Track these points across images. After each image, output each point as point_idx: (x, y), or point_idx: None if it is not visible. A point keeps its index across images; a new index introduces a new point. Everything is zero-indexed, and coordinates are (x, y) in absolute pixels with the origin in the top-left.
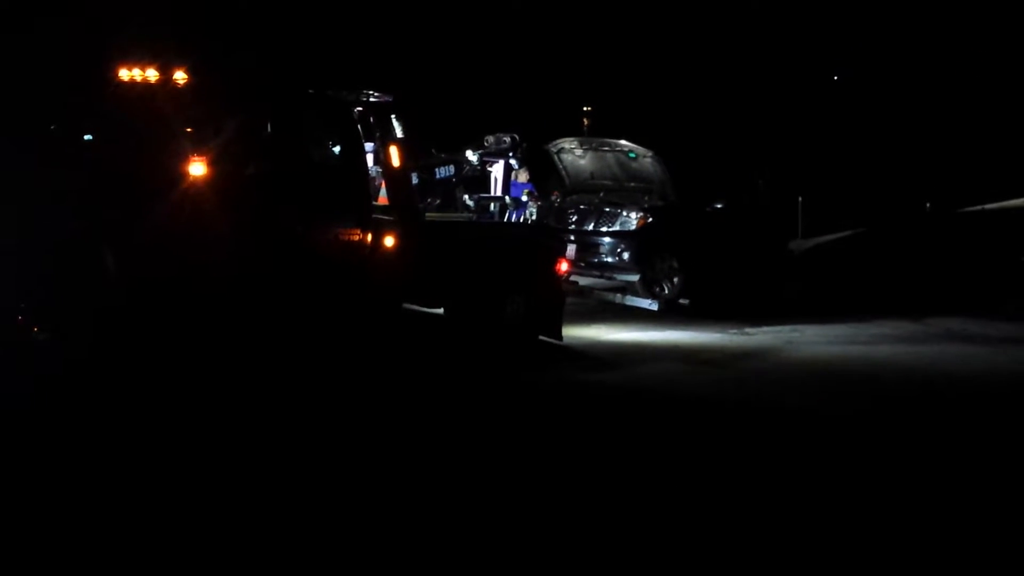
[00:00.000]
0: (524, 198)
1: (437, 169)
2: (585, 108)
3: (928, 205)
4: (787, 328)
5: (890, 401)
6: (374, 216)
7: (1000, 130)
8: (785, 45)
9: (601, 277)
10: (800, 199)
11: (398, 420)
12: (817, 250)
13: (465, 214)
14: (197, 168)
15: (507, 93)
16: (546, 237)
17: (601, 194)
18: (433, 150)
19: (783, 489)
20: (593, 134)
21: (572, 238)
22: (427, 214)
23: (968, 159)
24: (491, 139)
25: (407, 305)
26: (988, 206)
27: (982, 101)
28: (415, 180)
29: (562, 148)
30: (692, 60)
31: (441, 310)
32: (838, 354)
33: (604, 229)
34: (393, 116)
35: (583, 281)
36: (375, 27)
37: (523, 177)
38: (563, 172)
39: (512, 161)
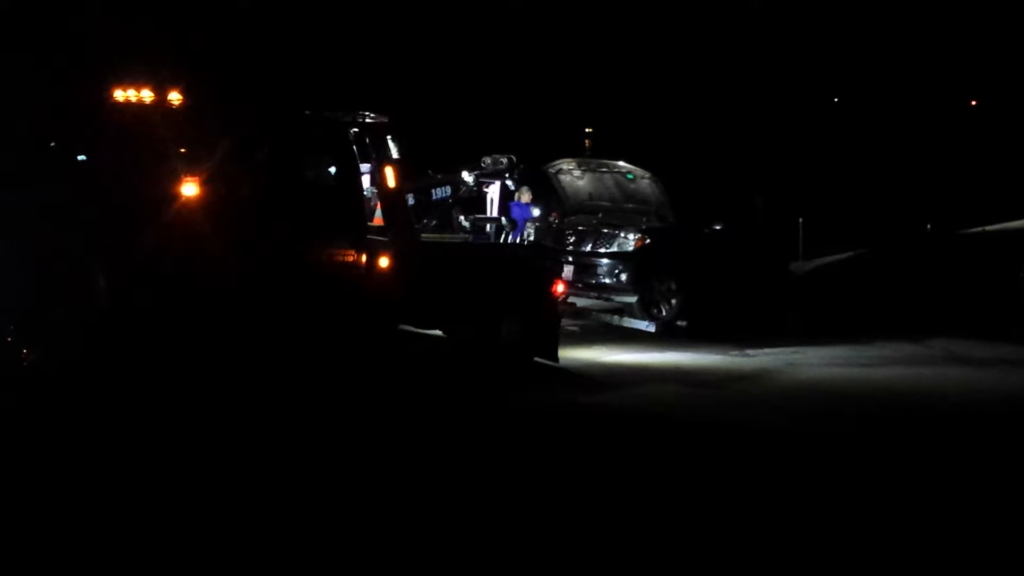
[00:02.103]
0: (535, 212)
1: (433, 190)
2: (587, 130)
3: (929, 227)
4: (788, 350)
5: (889, 425)
6: (369, 237)
7: (1000, 152)
8: (786, 67)
9: (599, 298)
10: (801, 220)
11: (385, 441)
12: (819, 271)
13: (461, 235)
14: (189, 188)
15: (508, 114)
16: (541, 258)
17: (599, 215)
18: (430, 171)
19: (769, 516)
20: (594, 155)
21: (569, 259)
22: (423, 235)
23: (969, 181)
24: (488, 160)
25: (404, 326)
26: (989, 228)
27: (983, 123)
28: (411, 201)
29: (560, 169)
30: (692, 81)
31: (437, 331)
32: (839, 376)
33: (602, 250)
34: (389, 137)
35: (581, 302)
36: (375, 48)
37: (527, 198)
38: (561, 193)
39: (508, 182)
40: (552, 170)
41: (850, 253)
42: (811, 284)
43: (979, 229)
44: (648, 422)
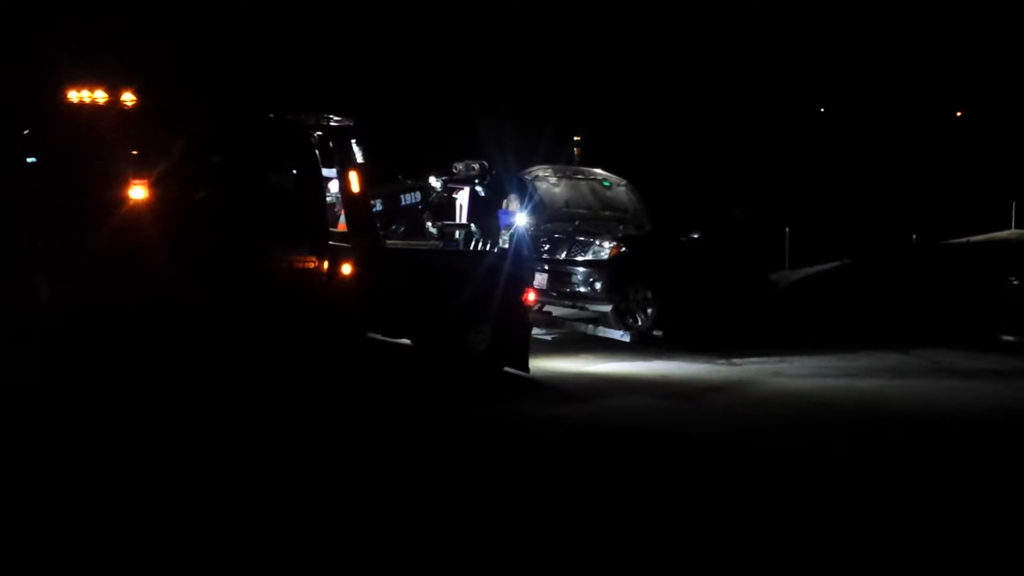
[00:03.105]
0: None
1: (403, 196)
2: (576, 138)
3: (914, 237)
4: (774, 359)
5: (871, 436)
6: (331, 243)
7: (985, 164)
8: (773, 77)
9: (574, 307)
10: (787, 230)
11: (335, 455)
12: (805, 281)
13: (432, 242)
14: (138, 192)
15: (485, 119)
16: (512, 266)
17: (576, 223)
18: (400, 176)
19: (739, 536)
20: (581, 163)
21: (545, 267)
22: (390, 241)
23: (953, 192)
24: (460, 166)
25: (372, 335)
26: (973, 238)
27: (967, 135)
28: (378, 207)
29: (537, 176)
30: (677, 90)
31: (406, 340)
32: (825, 387)
33: (577, 258)
34: (354, 140)
35: (557, 311)
36: (355, 51)
37: (515, 206)
38: (538, 201)
39: (479, 188)
40: (528, 177)
41: (836, 263)
42: (797, 293)
43: (963, 240)
44: (615, 435)
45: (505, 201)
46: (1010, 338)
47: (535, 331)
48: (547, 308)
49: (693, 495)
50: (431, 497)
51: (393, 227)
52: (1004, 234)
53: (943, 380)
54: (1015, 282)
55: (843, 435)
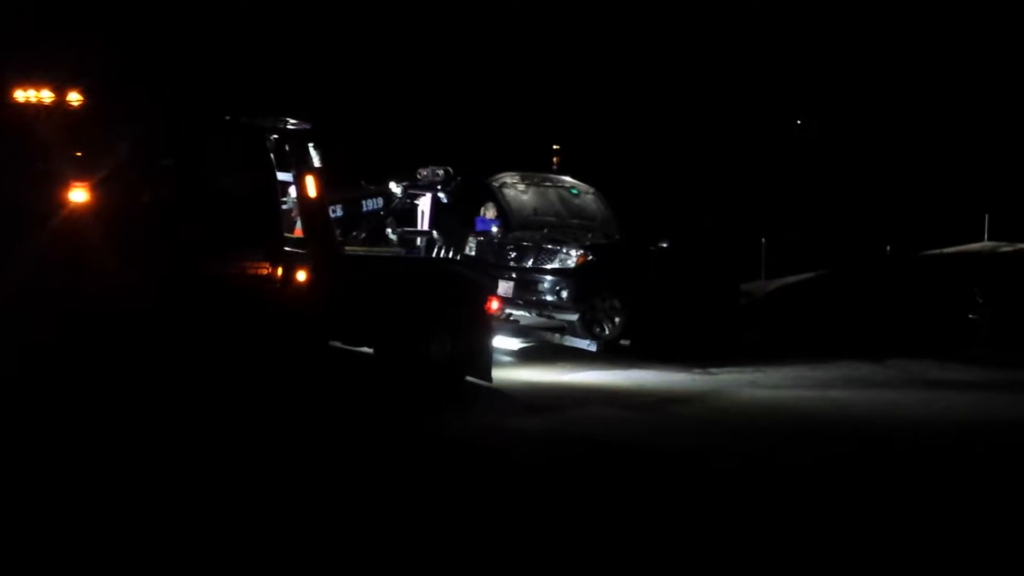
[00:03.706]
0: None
1: (364, 201)
2: (555, 146)
3: (888, 248)
4: (749, 369)
5: (843, 447)
6: (286, 249)
7: (959, 176)
8: (749, 89)
9: (541, 316)
10: (764, 240)
11: (280, 471)
12: (780, 291)
13: (394, 249)
14: (78, 195)
15: (451, 125)
16: (474, 273)
17: (545, 230)
18: (363, 181)
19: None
20: (547, 170)
21: (511, 275)
22: (351, 248)
23: (927, 203)
24: (424, 171)
25: (333, 343)
26: (946, 250)
27: (942, 147)
28: (339, 212)
29: (504, 183)
30: (650, 98)
31: (367, 349)
32: (794, 398)
33: (543, 266)
34: (311, 144)
35: (525, 320)
36: (322, 52)
37: (491, 214)
38: (506, 208)
39: (441, 195)
40: (496, 184)
41: (812, 273)
42: (772, 304)
43: (937, 251)
44: (574, 447)
45: (483, 208)
46: (980, 349)
47: (503, 340)
48: (514, 317)
49: (666, 509)
50: (377, 514)
51: (354, 233)
52: (977, 246)
53: (915, 392)
54: (989, 292)
55: (820, 447)
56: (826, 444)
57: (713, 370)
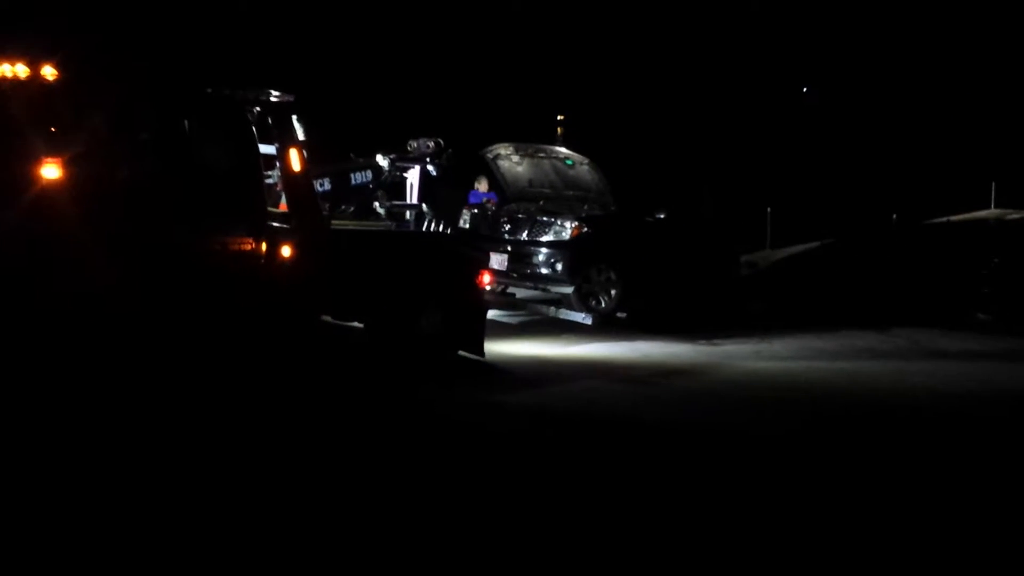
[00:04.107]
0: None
1: (353, 174)
2: (559, 117)
3: (895, 217)
4: (754, 340)
5: (835, 419)
6: (270, 224)
7: (965, 143)
8: (754, 57)
9: (536, 289)
10: (769, 210)
11: (271, 450)
12: (785, 261)
13: (383, 222)
14: (51, 171)
15: (445, 96)
16: (466, 247)
17: (540, 202)
18: (352, 154)
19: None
20: (551, 142)
21: (506, 248)
22: (339, 222)
23: (934, 171)
24: (415, 143)
25: (325, 318)
26: (953, 218)
27: (948, 115)
28: (326, 186)
29: (499, 154)
30: (651, 69)
31: (357, 323)
32: (799, 369)
33: (538, 239)
34: (295, 117)
35: (521, 293)
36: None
37: (484, 187)
38: (501, 180)
39: (430, 167)
40: (490, 155)
41: (817, 243)
42: (778, 274)
43: (944, 219)
44: (564, 422)
45: (476, 181)
46: (986, 317)
47: (499, 313)
48: (510, 290)
49: (672, 487)
50: (362, 491)
51: (343, 207)
52: (983, 214)
53: (922, 362)
54: (996, 260)
55: (825, 420)
56: (833, 417)
57: (718, 341)
